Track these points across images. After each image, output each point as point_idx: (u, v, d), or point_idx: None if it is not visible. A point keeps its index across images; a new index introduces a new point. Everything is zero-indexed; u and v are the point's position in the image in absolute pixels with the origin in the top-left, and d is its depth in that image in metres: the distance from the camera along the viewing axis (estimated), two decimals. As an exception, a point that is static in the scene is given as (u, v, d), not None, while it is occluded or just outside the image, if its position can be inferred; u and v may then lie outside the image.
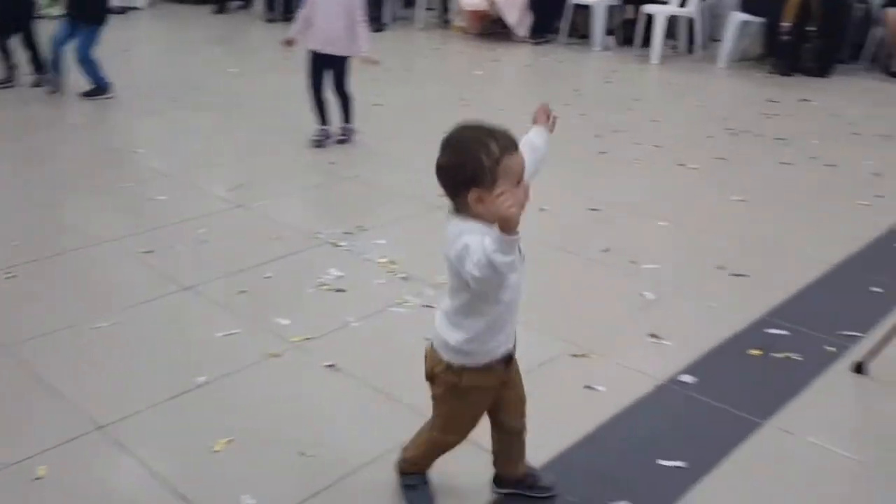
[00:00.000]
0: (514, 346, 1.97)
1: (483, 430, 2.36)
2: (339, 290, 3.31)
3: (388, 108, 6.26)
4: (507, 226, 1.60)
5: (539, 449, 2.28)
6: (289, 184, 4.60)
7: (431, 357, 1.96)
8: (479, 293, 1.79)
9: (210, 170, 4.80)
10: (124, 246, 3.70)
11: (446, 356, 1.91)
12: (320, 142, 5.17)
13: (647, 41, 8.13)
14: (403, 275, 3.42)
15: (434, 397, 2.02)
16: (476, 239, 1.70)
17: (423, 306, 3.17)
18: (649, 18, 8.07)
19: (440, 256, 3.74)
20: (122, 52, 7.47)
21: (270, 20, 10.17)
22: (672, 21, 8.08)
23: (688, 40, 8.14)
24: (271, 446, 2.37)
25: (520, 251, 1.80)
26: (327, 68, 5.12)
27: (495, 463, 2.16)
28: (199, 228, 3.93)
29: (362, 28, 4.99)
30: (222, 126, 5.69)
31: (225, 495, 2.17)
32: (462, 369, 1.90)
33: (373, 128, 5.67)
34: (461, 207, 1.80)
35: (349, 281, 3.39)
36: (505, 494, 2.17)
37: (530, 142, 2.06)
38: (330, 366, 2.77)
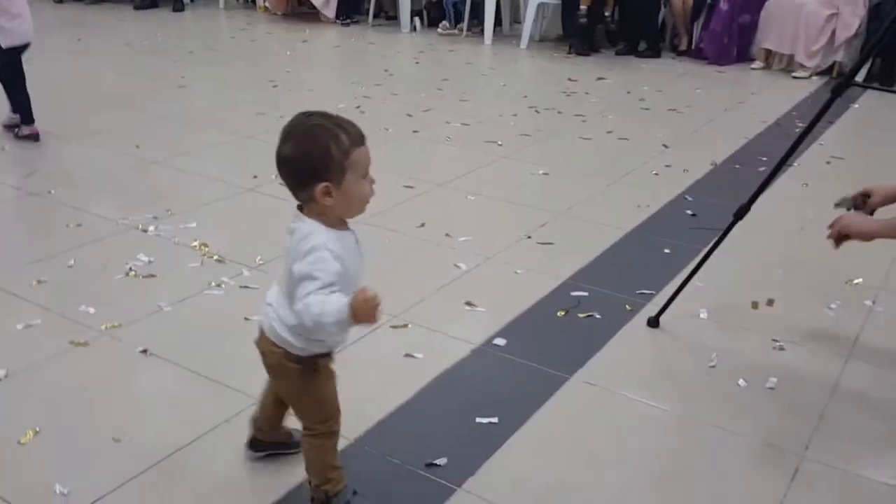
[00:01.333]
0: None
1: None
2: (149, 276, 3.20)
3: (192, 91, 6.07)
4: (361, 322, 1.62)
5: (361, 417, 2.33)
6: (88, 169, 4.35)
7: (271, 352, 1.85)
8: None
9: (-2, 157, 4.47)
10: None
11: (292, 350, 1.83)
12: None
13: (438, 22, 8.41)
14: (217, 257, 3.35)
15: (289, 395, 1.94)
16: (324, 274, 1.66)
17: (241, 287, 3.13)
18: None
19: (255, 238, 3.71)
20: None
21: (59, 0, 9.58)
22: (476, 4, 8.33)
23: (495, 22, 8.38)
24: (82, 435, 2.28)
25: (357, 242, 1.83)
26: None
27: (259, 428, 2.14)
28: (-11, 219, 3.67)
29: None
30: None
31: (35, 487, 2.07)
32: (313, 357, 1.86)
33: (177, 110, 5.49)
34: (305, 201, 1.74)
35: (160, 266, 3.28)
36: (264, 456, 2.18)
37: None
38: (143, 351, 2.68)
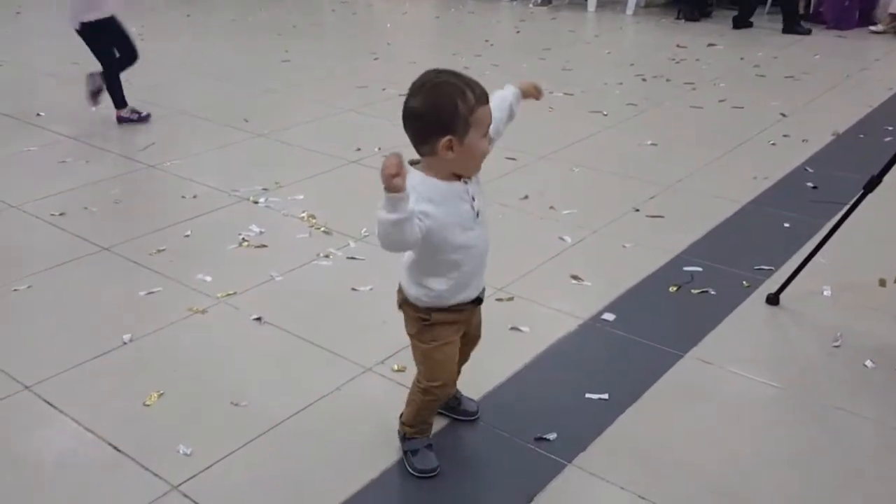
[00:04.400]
0: (483, 291, 2.00)
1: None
2: (261, 246, 3.27)
3: (296, 65, 6.16)
4: (386, 185, 1.63)
5: (469, 388, 2.32)
6: (201, 143, 4.48)
7: (399, 291, 1.97)
8: (424, 252, 1.82)
9: (117, 131, 4.64)
10: (33, 210, 3.58)
11: (409, 296, 1.92)
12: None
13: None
14: (324, 229, 3.40)
15: (411, 341, 2.01)
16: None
17: (348, 258, 3.17)
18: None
19: (360, 210, 3.76)
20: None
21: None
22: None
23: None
24: (203, 398, 2.35)
25: (473, 208, 1.84)
26: None
27: None
28: (111, 189, 3.82)
29: None
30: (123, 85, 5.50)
31: (160, 446, 2.16)
32: (428, 309, 1.92)
33: (282, 84, 5.58)
34: (426, 154, 1.78)
35: (270, 237, 3.35)
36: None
37: (502, 96, 2.05)
38: (257, 319, 2.74)
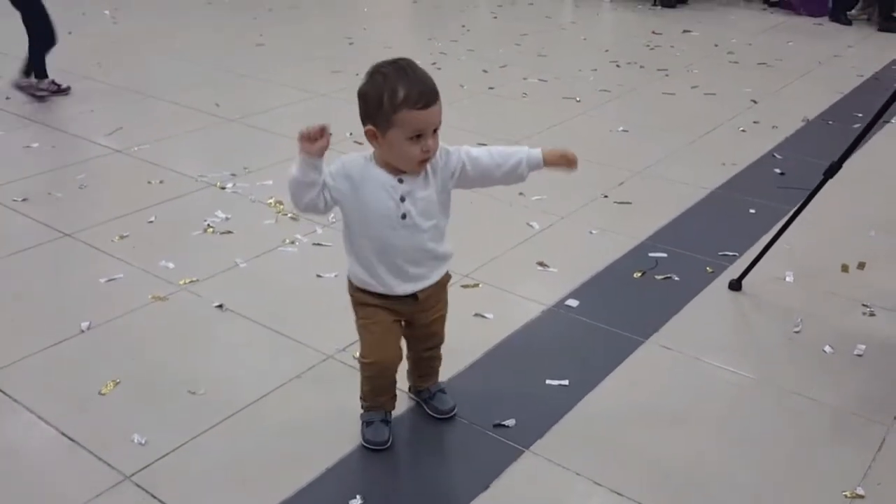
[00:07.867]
0: (416, 292, 1.96)
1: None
2: (226, 232, 3.24)
3: (270, 49, 6.11)
4: (299, 144, 1.74)
5: (431, 375, 2.32)
6: (170, 127, 4.43)
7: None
8: (345, 224, 1.91)
9: (84, 116, 4.59)
10: (-5, 195, 3.54)
11: (349, 272, 1.97)
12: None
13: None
14: (292, 215, 3.38)
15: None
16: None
17: (314, 245, 3.15)
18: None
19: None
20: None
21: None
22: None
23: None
24: (160, 387, 2.34)
25: (399, 208, 1.84)
26: None
27: (407, 372, 2.25)
28: (76, 175, 3.77)
29: None
30: (93, 69, 5.44)
31: (115, 435, 2.14)
32: (356, 287, 1.97)
33: (255, 68, 5.53)
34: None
35: (236, 223, 3.32)
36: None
37: (511, 153, 2.00)
38: (218, 306, 2.73)
